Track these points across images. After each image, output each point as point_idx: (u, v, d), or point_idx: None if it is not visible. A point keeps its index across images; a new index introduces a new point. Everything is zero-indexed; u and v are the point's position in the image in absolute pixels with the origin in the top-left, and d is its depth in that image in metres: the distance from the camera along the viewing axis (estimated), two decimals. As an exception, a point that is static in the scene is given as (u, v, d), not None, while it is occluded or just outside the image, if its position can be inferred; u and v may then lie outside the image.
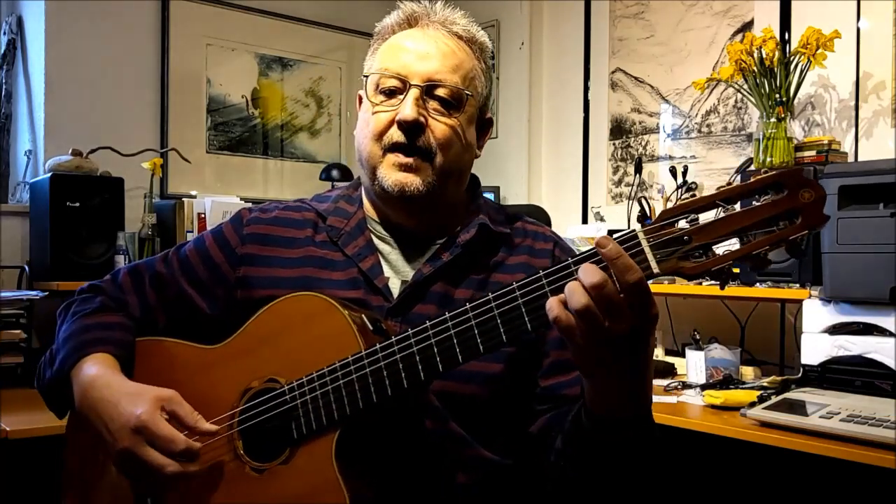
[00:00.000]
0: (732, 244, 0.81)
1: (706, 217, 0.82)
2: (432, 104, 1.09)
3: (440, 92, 1.09)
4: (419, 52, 1.10)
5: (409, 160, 1.07)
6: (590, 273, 0.80)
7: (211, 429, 1.02)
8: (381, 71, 1.11)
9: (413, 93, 1.07)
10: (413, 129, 1.07)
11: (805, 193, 0.78)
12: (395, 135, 1.08)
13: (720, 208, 0.82)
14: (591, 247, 0.85)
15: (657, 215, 0.84)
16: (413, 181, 1.07)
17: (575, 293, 0.80)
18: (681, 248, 0.82)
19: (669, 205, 3.01)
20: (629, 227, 3.21)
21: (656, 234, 0.83)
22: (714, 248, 0.82)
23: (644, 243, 0.82)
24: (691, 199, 0.82)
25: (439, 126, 1.08)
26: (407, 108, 1.06)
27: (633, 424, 0.91)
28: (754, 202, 0.81)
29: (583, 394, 0.92)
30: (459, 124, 1.10)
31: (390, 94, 1.10)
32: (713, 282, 0.83)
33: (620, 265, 0.80)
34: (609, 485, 0.97)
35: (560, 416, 1.03)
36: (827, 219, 0.79)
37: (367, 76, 1.15)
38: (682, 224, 0.82)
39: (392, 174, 1.08)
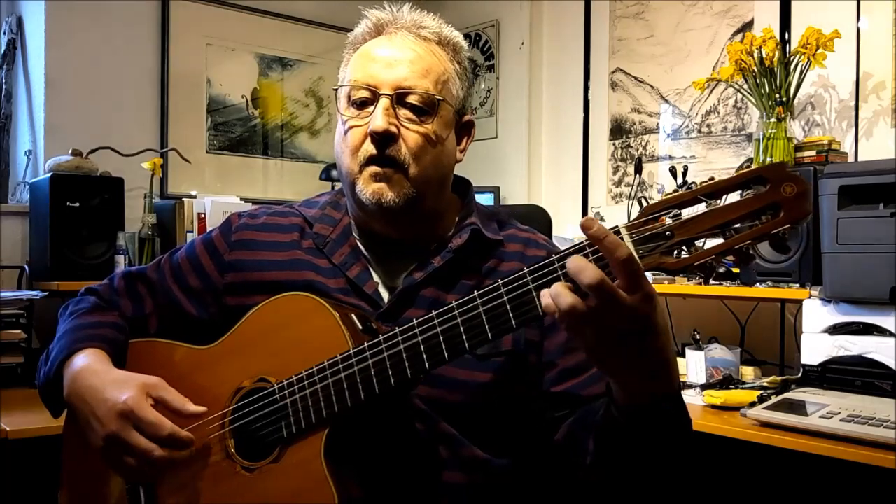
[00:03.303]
0: (716, 239, 0.81)
1: (690, 212, 0.82)
2: (403, 112, 1.07)
3: (411, 99, 1.07)
4: (387, 59, 1.08)
5: (383, 170, 1.06)
6: (585, 270, 0.77)
7: (198, 410, 1.02)
8: (351, 83, 1.10)
9: (383, 102, 1.06)
10: (384, 139, 1.05)
11: (787, 187, 0.78)
12: (370, 148, 1.06)
13: (703, 203, 0.81)
14: (576, 242, 0.85)
15: (640, 210, 0.84)
16: (388, 192, 1.06)
17: (561, 295, 0.79)
18: (663, 243, 0.82)
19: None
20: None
21: (639, 229, 0.83)
22: (697, 243, 0.82)
23: (626, 238, 0.82)
24: (674, 194, 0.82)
25: (411, 135, 1.06)
26: (377, 118, 1.05)
27: (666, 404, 0.88)
28: (737, 197, 0.81)
29: (608, 392, 0.91)
30: (433, 131, 1.08)
31: (361, 105, 1.08)
32: (702, 276, 0.83)
33: (608, 244, 0.78)
34: (649, 475, 0.95)
35: (582, 418, 1.02)
36: (809, 212, 0.78)
37: (336, 89, 1.14)
38: (666, 219, 0.82)
39: (369, 186, 1.07)
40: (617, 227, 0.84)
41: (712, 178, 0.81)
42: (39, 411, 1.97)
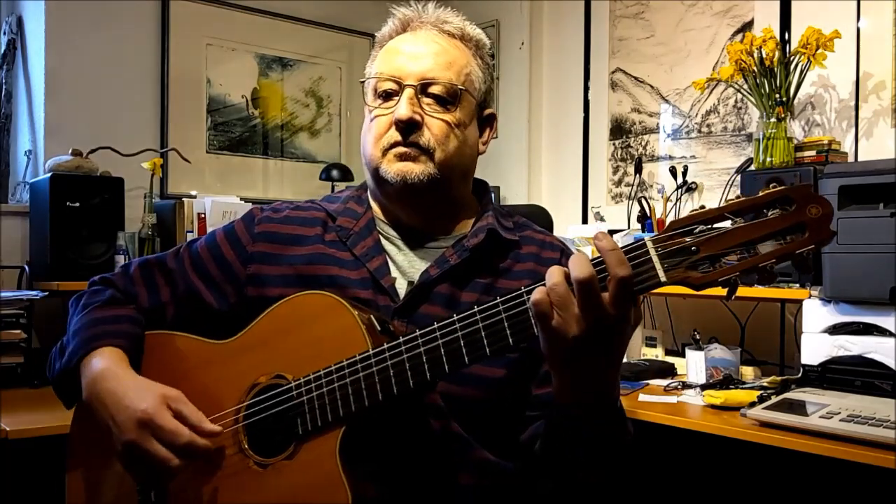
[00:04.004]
0: (740, 256, 0.83)
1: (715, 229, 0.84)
2: (427, 102, 1.11)
3: (434, 89, 1.11)
4: (412, 53, 1.12)
5: (408, 150, 1.10)
6: (578, 266, 0.83)
7: (214, 429, 1.03)
8: (377, 75, 1.14)
9: (407, 92, 1.10)
10: (409, 127, 1.09)
11: (812, 209, 0.80)
12: (394, 135, 1.10)
13: (729, 220, 0.83)
14: (598, 257, 0.87)
15: (666, 225, 0.85)
16: (413, 169, 1.09)
17: (553, 274, 0.85)
18: (688, 258, 0.83)
19: (669, 205, 2.99)
20: (629, 227, 3.20)
21: (664, 243, 0.84)
22: (722, 259, 0.83)
23: (652, 252, 0.84)
24: (700, 210, 0.84)
25: (435, 122, 1.10)
26: (402, 107, 1.09)
27: (599, 413, 0.94)
28: (762, 216, 0.82)
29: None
30: (456, 119, 1.12)
31: (387, 97, 1.13)
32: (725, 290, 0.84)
33: (614, 258, 0.82)
34: (580, 475, 1.00)
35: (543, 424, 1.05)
36: (834, 234, 0.80)
37: (363, 82, 1.18)
38: (691, 235, 0.84)
39: (393, 166, 1.10)
40: (643, 239, 0.85)
41: (738, 196, 0.82)
42: (39, 411, 1.99)
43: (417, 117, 1.09)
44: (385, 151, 1.11)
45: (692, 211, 0.84)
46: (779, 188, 0.81)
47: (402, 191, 1.11)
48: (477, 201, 1.23)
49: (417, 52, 1.12)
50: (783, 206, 0.81)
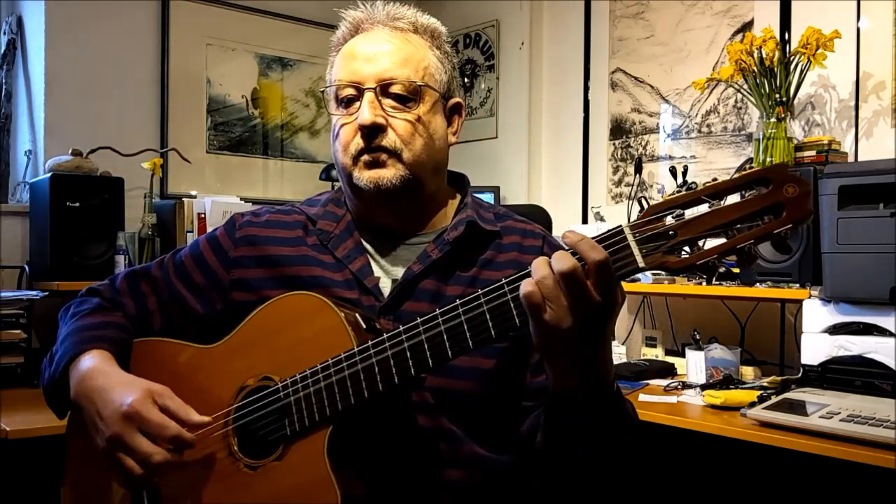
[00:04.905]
0: (719, 239, 0.83)
1: (693, 212, 0.83)
2: (389, 102, 1.10)
3: (394, 89, 1.10)
4: (366, 55, 1.11)
5: (375, 156, 1.09)
6: (560, 259, 0.84)
7: (202, 420, 1.03)
8: (336, 83, 1.13)
9: (368, 96, 1.09)
10: (373, 131, 1.08)
11: (789, 188, 0.80)
12: (361, 142, 1.09)
13: (707, 204, 0.82)
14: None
15: (644, 211, 0.85)
16: (384, 175, 1.09)
17: (541, 268, 0.85)
18: (666, 242, 0.83)
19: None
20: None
21: (642, 229, 0.84)
22: (700, 242, 0.83)
23: (630, 238, 0.84)
24: (678, 194, 0.84)
25: (399, 122, 1.09)
26: (364, 112, 1.08)
27: (598, 402, 0.94)
28: (740, 198, 0.82)
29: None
30: (420, 116, 1.11)
31: (349, 103, 1.12)
32: (704, 276, 0.84)
33: (584, 246, 0.84)
34: (586, 464, 0.99)
35: (542, 413, 1.04)
36: (811, 213, 0.80)
37: (323, 91, 1.18)
38: (669, 219, 0.84)
39: (364, 174, 1.10)
40: (620, 226, 0.85)
41: (715, 179, 0.83)
42: (39, 411, 1.99)
43: (380, 120, 1.08)
44: (355, 159, 1.10)
45: (668, 195, 0.85)
46: (755, 169, 0.81)
47: (377, 196, 1.10)
48: (456, 194, 1.22)
49: (372, 53, 1.11)
50: (760, 188, 0.81)
